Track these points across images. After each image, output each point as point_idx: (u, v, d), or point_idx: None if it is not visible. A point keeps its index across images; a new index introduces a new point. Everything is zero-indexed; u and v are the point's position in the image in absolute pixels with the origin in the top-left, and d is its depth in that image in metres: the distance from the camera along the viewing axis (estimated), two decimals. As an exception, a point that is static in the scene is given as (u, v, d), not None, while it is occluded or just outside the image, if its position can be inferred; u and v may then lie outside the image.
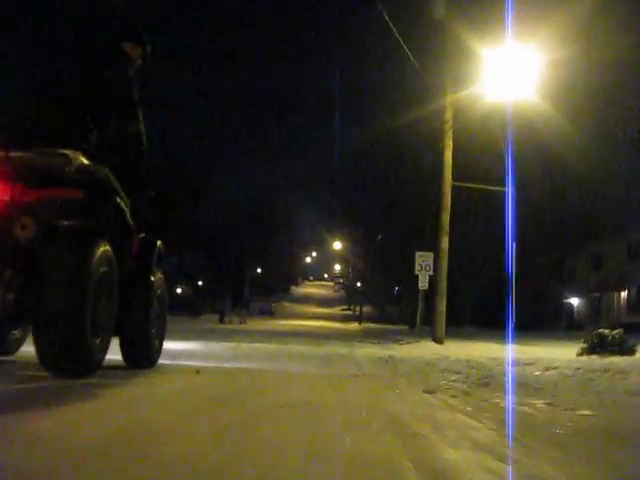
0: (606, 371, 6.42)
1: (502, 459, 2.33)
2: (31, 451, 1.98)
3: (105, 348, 4.25)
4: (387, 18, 15.22)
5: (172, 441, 2.29)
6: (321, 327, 37.10)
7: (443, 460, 2.25)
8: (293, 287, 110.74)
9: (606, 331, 11.23)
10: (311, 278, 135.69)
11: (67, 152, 3.82)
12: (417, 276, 19.78)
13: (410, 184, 30.07)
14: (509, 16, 14.53)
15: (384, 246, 39.99)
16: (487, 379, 5.59)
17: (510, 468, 2.24)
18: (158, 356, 5.44)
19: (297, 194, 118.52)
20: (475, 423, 3.20)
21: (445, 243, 17.30)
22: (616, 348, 10.61)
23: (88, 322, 3.82)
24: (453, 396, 4.29)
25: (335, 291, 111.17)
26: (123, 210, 4.49)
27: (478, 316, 35.83)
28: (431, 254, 19.17)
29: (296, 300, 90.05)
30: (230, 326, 32.25)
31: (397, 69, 23.08)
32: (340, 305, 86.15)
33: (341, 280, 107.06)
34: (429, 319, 21.42)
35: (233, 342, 12.74)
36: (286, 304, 79.69)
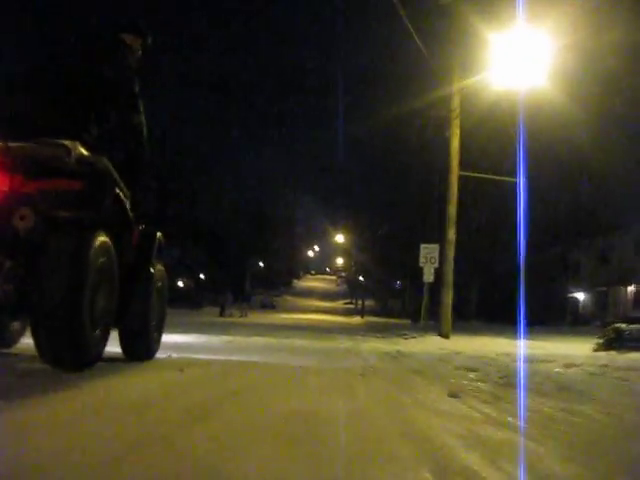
0: (634, 370, 5.90)
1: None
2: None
3: (104, 340, 4.23)
4: (395, 0, 14.66)
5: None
6: (323, 321, 36.63)
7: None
8: (295, 281, 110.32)
9: (623, 325, 10.73)
10: (313, 272, 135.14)
11: (67, 143, 3.80)
12: (422, 268, 19.33)
13: (415, 174, 29.45)
14: (520, -1, 14.01)
15: (387, 238, 39.38)
16: (509, 378, 5.04)
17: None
18: (157, 348, 5.42)
19: (299, 186, 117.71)
20: (539, 448, 2.46)
21: (452, 234, 16.76)
22: (633, 344, 10.12)
23: (87, 314, 3.81)
24: (485, 402, 3.74)
25: (337, 285, 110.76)
26: (123, 201, 4.45)
27: (483, 310, 35.27)
28: (436, 246, 18.65)
29: (298, 294, 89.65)
30: (230, 319, 31.77)
31: (402, 55, 22.43)
32: (342, 299, 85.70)
33: (343, 274, 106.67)
34: (434, 313, 20.97)
35: (230, 336, 12.21)
36: (288, 298, 79.31)
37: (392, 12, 15.56)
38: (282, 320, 32.32)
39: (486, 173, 20.06)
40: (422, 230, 27.42)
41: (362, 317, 47.91)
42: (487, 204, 29.64)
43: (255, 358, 6.69)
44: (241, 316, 36.97)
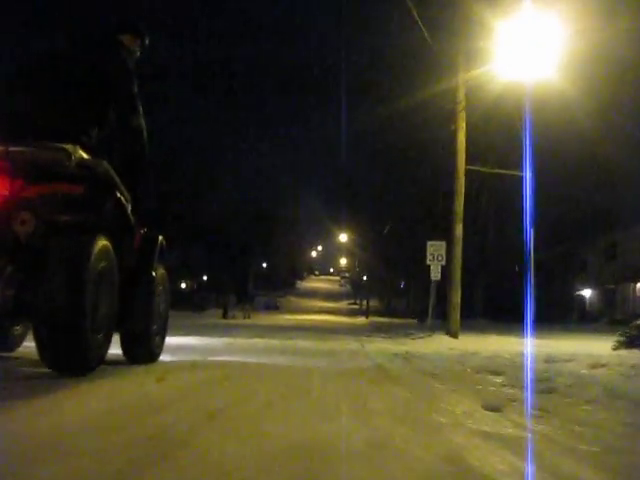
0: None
1: None
2: None
3: (106, 344, 4.22)
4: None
5: None
6: (327, 321, 36.15)
7: None
8: (299, 281, 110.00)
9: (647, 322, 10.19)
10: (317, 272, 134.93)
11: (67, 147, 3.76)
12: (428, 267, 18.88)
13: (419, 169, 28.92)
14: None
15: (391, 237, 38.88)
16: (544, 382, 4.53)
17: None
18: (160, 352, 5.38)
19: (302, 185, 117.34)
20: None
21: (459, 231, 16.26)
22: (658, 342, 9.60)
23: (88, 318, 3.79)
24: (534, 417, 3.14)
25: (341, 285, 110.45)
26: (124, 205, 4.44)
27: (488, 309, 34.73)
28: (443, 243, 18.17)
29: (302, 294, 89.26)
30: (233, 321, 31.33)
31: (405, 48, 21.97)
32: (346, 299, 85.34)
33: (347, 274, 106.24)
34: (439, 312, 20.50)
35: (232, 337, 11.71)
36: (292, 298, 78.89)
37: (393, 1, 15.07)
38: (286, 321, 31.84)
39: (492, 168, 19.54)
40: (427, 228, 26.92)
41: (367, 317, 47.45)
42: (493, 199, 29.15)
43: (253, 360, 6.21)
44: (244, 317, 36.59)
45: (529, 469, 2.16)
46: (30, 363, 4.22)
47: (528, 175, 15.79)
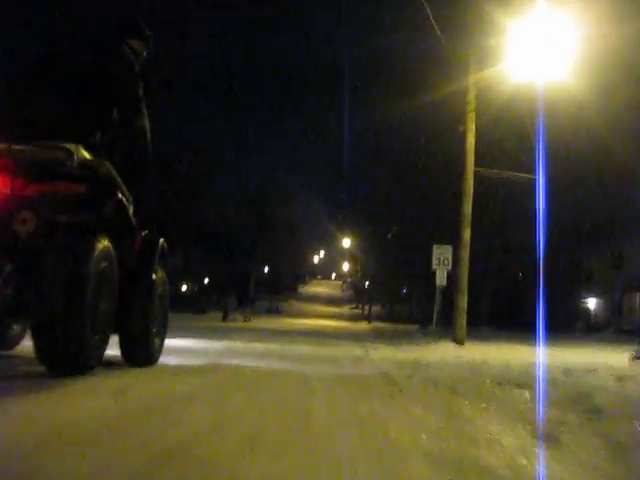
0: None
1: None
2: None
3: (104, 345, 4.20)
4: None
5: None
6: (329, 326, 35.66)
7: None
8: (301, 286, 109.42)
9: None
10: (319, 277, 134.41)
11: (69, 146, 3.75)
12: (432, 272, 18.41)
13: (426, 171, 28.34)
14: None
15: (395, 241, 38.34)
16: (582, 400, 3.98)
17: None
18: (159, 354, 5.34)
19: (305, 190, 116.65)
20: None
21: (467, 234, 15.76)
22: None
23: (87, 319, 3.78)
24: (618, 452, 2.51)
25: (343, 290, 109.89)
26: (125, 206, 4.42)
27: (494, 316, 34.14)
28: (450, 247, 17.68)
29: (304, 299, 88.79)
30: (233, 324, 30.86)
31: (413, 47, 21.47)
32: (348, 304, 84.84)
33: (349, 279, 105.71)
34: (443, 318, 20.02)
35: (228, 341, 11.22)
36: (293, 303, 78.48)
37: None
38: (287, 325, 31.33)
39: (501, 170, 19.02)
40: (433, 232, 26.39)
41: (369, 323, 47.03)
42: (500, 203, 28.59)
43: (250, 364, 5.73)
44: (245, 321, 36.13)
45: None
46: (29, 361, 4.07)
47: (541, 179, 15.31)
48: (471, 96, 16.32)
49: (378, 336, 22.00)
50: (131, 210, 4.57)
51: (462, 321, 15.64)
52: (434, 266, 17.82)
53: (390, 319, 51.05)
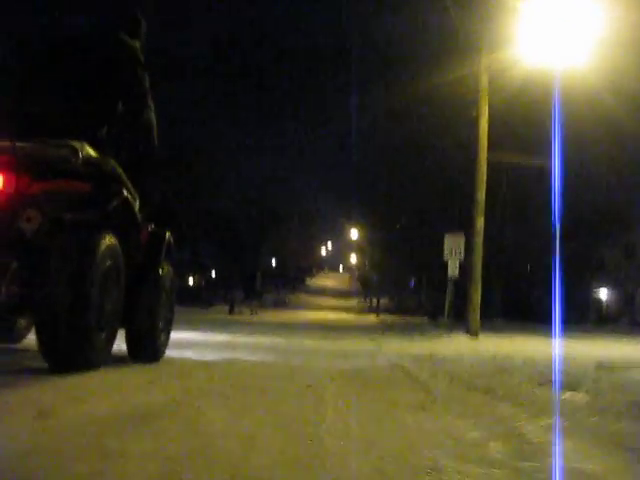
0: None
1: None
2: None
3: (110, 342, 4.16)
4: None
5: None
6: (337, 319, 35.14)
7: None
8: (308, 278, 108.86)
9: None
10: (326, 269, 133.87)
11: (74, 144, 3.72)
12: (442, 263, 17.85)
13: (435, 159, 27.68)
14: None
15: (404, 232, 37.71)
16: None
17: None
18: (164, 349, 5.31)
19: (313, 181, 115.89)
20: None
21: (480, 223, 15.17)
22: None
23: (93, 316, 3.75)
24: None
25: (350, 283, 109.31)
26: (130, 203, 4.36)
27: (507, 308, 33.49)
28: (462, 236, 17.04)
29: (311, 292, 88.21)
30: (239, 317, 30.38)
31: (423, 29, 20.87)
32: (356, 297, 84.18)
33: (357, 272, 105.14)
34: (455, 310, 19.50)
35: (232, 334, 10.70)
36: (301, 295, 77.91)
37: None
38: (294, 318, 30.82)
39: (515, 157, 18.41)
40: (443, 222, 25.78)
41: (377, 315, 46.43)
42: (512, 191, 27.93)
43: (250, 359, 5.18)
44: (251, 314, 35.68)
45: None
46: (36, 356, 3.91)
47: (557, 164, 14.68)
48: (484, 79, 15.72)
49: (387, 329, 21.46)
50: (137, 206, 4.51)
51: (476, 312, 15.08)
52: (446, 256, 17.21)
53: (398, 311, 50.47)
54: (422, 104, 23.46)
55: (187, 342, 7.80)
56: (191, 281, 55.67)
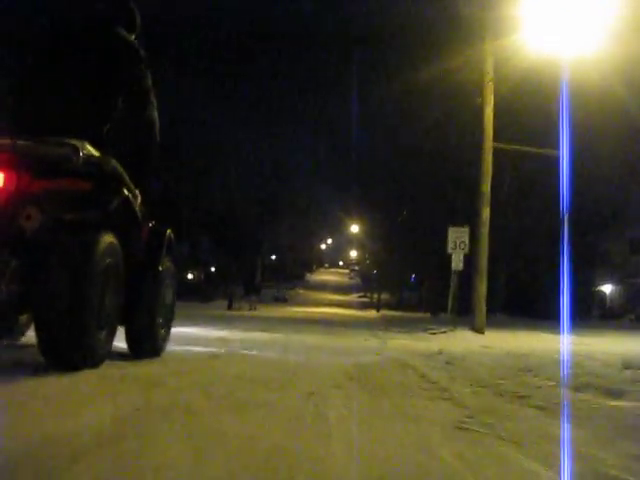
0: None
1: None
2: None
3: (110, 341, 4.18)
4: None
5: None
6: (337, 314, 34.61)
7: None
8: (308, 274, 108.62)
9: None
10: (326, 265, 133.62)
11: (75, 142, 3.71)
12: (444, 258, 17.37)
13: (438, 149, 27.02)
14: None
15: (404, 226, 37.15)
16: None
17: None
18: (165, 345, 5.33)
19: (313, 175, 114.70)
20: None
21: (486, 213, 14.64)
22: None
23: (93, 315, 3.76)
24: None
25: (350, 278, 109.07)
26: (131, 202, 4.36)
27: (510, 303, 32.94)
28: (466, 229, 16.49)
29: (311, 287, 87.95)
30: (238, 312, 29.87)
31: (424, 10, 20.22)
32: (356, 292, 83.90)
33: (357, 267, 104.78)
34: (458, 305, 19.01)
35: (227, 330, 10.18)
36: (300, 291, 77.64)
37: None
38: (294, 314, 30.28)
39: (520, 146, 17.86)
40: (445, 214, 25.23)
41: (378, 311, 46.02)
42: (515, 181, 27.33)
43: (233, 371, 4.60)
44: (251, 309, 35.21)
45: None
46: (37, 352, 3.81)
47: (565, 154, 14.13)
48: (489, 65, 15.18)
49: (389, 324, 20.96)
50: (137, 204, 4.49)
51: (482, 307, 14.56)
52: (450, 250, 16.65)
53: (399, 307, 50.13)
54: (424, 93, 22.82)
55: (184, 338, 7.31)
56: (190, 276, 55.41)
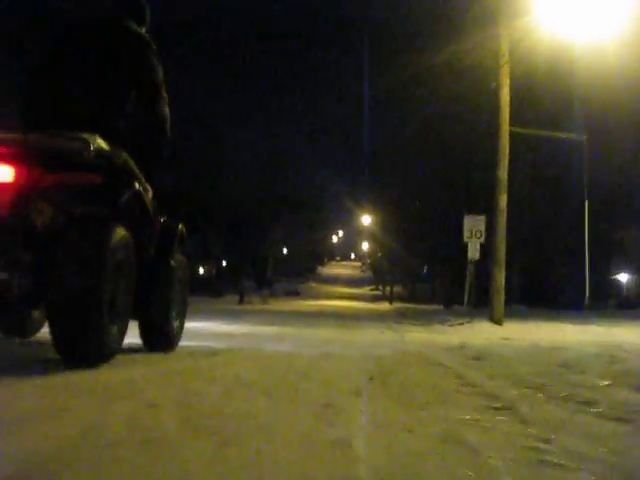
0: None
1: None
2: None
3: (122, 335, 4.14)
4: None
5: None
6: (350, 307, 34.26)
7: None
8: (319, 267, 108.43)
9: None
10: (338, 258, 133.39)
11: (86, 136, 3.69)
12: (459, 248, 16.97)
13: (454, 130, 26.43)
14: None
15: (418, 216, 36.63)
16: None
17: None
18: (179, 339, 5.36)
19: (324, 166, 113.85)
20: None
21: (503, 201, 14.11)
22: None
23: (105, 309, 3.74)
24: None
25: (362, 271, 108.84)
26: (142, 196, 4.38)
27: (527, 293, 32.35)
28: (483, 217, 16.08)
29: (323, 280, 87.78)
30: (249, 307, 29.57)
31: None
32: (368, 285, 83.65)
33: (369, 260, 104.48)
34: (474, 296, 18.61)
35: (233, 325, 9.81)
36: (313, 284, 77.50)
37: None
38: (306, 307, 29.92)
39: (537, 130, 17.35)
40: (460, 203, 24.74)
41: (390, 303, 45.73)
42: (529, 167, 26.72)
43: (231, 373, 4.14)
44: (262, 303, 34.96)
45: None
46: (49, 349, 3.83)
47: (584, 137, 13.66)
48: (503, 47, 14.65)
49: (403, 317, 20.56)
50: (149, 198, 4.50)
51: (500, 297, 14.06)
52: (466, 238, 16.22)
53: (412, 299, 49.80)
54: (437, 76, 22.24)
55: (194, 333, 7.01)
56: (201, 271, 55.27)
